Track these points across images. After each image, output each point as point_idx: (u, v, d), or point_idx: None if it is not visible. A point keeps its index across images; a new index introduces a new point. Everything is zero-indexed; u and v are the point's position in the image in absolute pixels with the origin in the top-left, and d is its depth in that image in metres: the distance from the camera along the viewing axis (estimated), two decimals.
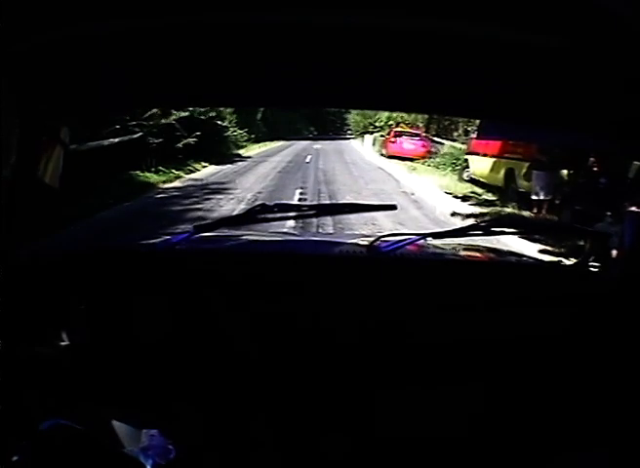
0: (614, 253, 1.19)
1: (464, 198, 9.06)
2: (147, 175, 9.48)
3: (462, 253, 1.44)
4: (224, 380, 0.93)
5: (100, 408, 0.77)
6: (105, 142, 7.81)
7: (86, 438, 0.67)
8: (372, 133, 24.73)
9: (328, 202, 7.43)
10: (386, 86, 0.84)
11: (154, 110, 9.37)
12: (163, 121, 10.28)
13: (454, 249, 1.42)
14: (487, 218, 6.52)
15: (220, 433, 0.88)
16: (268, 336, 0.97)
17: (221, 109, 13.83)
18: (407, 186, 10.34)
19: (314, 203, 7.08)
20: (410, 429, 0.91)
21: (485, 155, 9.88)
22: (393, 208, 1.26)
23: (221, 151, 14.62)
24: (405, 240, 1.11)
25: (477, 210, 7.89)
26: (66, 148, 0.87)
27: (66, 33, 0.64)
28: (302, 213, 1.30)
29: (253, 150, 19.38)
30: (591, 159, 6.44)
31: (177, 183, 9.73)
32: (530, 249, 4.80)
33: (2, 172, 0.73)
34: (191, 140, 11.16)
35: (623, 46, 0.61)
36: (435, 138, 16.35)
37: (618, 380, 0.90)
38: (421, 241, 1.19)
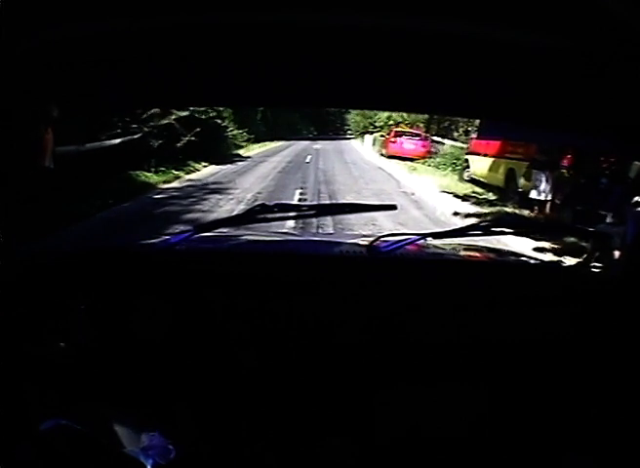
0: (615, 253, 1.19)
1: (465, 198, 9.05)
2: (147, 175, 9.48)
3: (462, 253, 1.44)
4: (224, 381, 0.93)
5: (101, 408, 0.77)
6: (106, 143, 7.81)
7: (86, 438, 0.67)
8: (372, 133, 24.70)
9: (328, 202, 7.43)
10: (386, 86, 0.84)
11: (154, 111, 9.37)
12: (163, 121, 10.28)
13: (454, 249, 1.42)
14: (487, 218, 6.52)
15: (219, 433, 0.88)
16: (268, 336, 0.97)
17: (221, 109, 13.83)
18: (407, 186, 10.33)
19: (314, 203, 7.08)
20: (410, 430, 0.91)
21: (485, 155, 9.88)
22: (393, 208, 1.25)
23: (221, 151, 14.61)
24: (405, 240, 1.11)
25: (477, 210, 7.89)
26: (55, 125, 0.85)
27: (67, 33, 0.64)
28: (302, 213, 1.30)
29: (253, 150, 19.37)
30: (592, 159, 6.44)
31: (176, 183, 9.72)
32: (530, 248, 4.80)
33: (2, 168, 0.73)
34: (191, 138, 11.14)
35: (623, 46, 0.61)
36: (436, 138, 16.32)
37: (618, 380, 0.90)
38: (421, 241, 1.19)
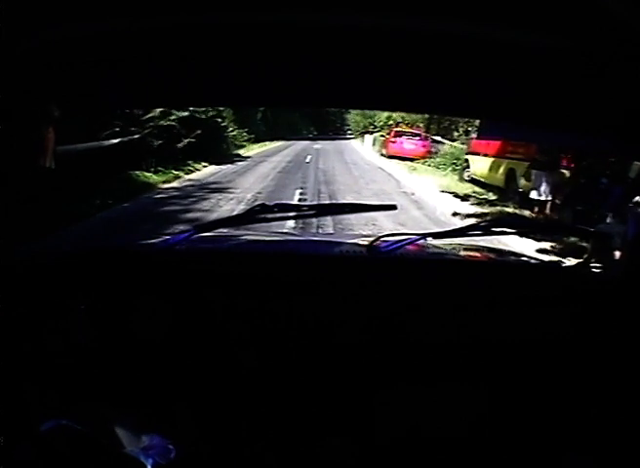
0: (615, 253, 1.19)
1: (465, 198, 9.05)
2: (147, 175, 9.48)
3: (462, 253, 1.44)
4: (224, 381, 0.93)
5: (101, 408, 0.77)
6: (106, 143, 7.80)
7: (86, 438, 0.67)
8: (372, 133, 24.73)
9: (328, 202, 7.43)
10: (386, 86, 0.84)
11: (154, 111, 9.38)
12: (162, 122, 10.28)
13: (454, 249, 1.42)
14: (487, 218, 6.52)
15: (219, 433, 0.88)
16: (268, 336, 0.97)
17: (221, 109, 13.84)
18: (407, 186, 10.33)
19: (314, 203, 7.08)
20: (410, 430, 0.91)
21: (485, 155, 9.88)
22: (393, 208, 1.25)
23: (221, 151, 14.62)
24: (405, 240, 1.11)
25: (477, 210, 7.89)
26: (56, 124, 0.85)
27: (67, 33, 0.64)
28: (302, 213, 1.30)
29: (253, 150, 19.37)
30: (592, 159, 6.44)
31: (176, 183, 9.72)
32: (530, 248, 4.80)
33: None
34: (191, 139, 11.14)
35: (623, 46, 0.61)
36: (437, 138, 16.29)
37: (618, 380, 0.90)
38: (421, 241, 1.19)
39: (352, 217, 5.88)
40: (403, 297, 0.99)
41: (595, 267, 1.22)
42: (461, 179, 11.37)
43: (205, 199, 7.78)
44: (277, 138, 24.97)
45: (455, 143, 14.75)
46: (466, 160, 11.43)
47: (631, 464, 0.82)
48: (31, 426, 0.65)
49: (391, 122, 22.23)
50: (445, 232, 1.19)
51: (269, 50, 0.72)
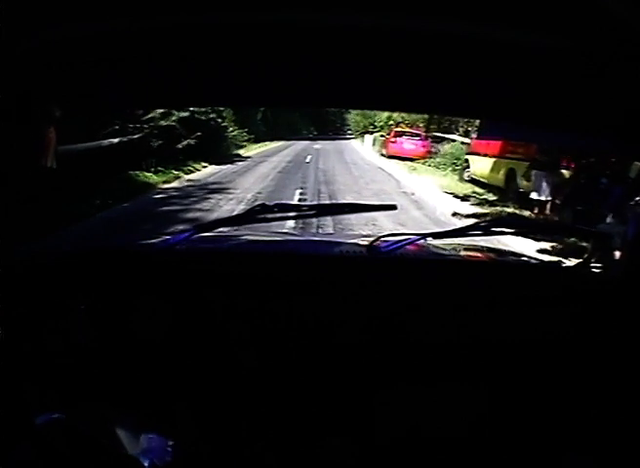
0: (615, 253, 1.19)
1: (465, 198, 9.05)
2: (147, 175, 9.48)
3: (462, 253, 1.44)
4: (224, 381, 0.93)
5: (100, 408, 0.77)
6: (106, 143, 7.81)
7: (84, 435, 0.67)
8: (372, 133, 24.71)
9: (328, 202, 7.42)
10: (386, 86, 0.84)
11: (154, 113, 9.39)
12: (163, 123, 10.28)
13: (454, 249, 1.42)
14: (487, 218, 6.52)
15: (219, 433, 0.88)
16: (268, 336, 0.97)
17: (222, 109, 13.84)
18: (407, 186, 10.33)
19: (314, 203, 7.08)
20: (410, 430, 0.91)
21: (485, 155, 9.89)
22: (393, 208, 1.25)
23: (221, 151, 14.61)
24: (405, 240, 1.11)
25: (478, 210, 7.89)
26: (58, 124, 0.85)
27: (67, 33, 0.64)
28: (302, 213, 1.30)
29: (252, 150, 19.36)
30: (592, 159, 6.45)
31: (176, 183, 9.73)
32: (530, 248, 4.80)
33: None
34: (191, 141, 11.14)
35: (623, 46, 0.61)
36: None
37: (618, 380, 0.90)
38: (421, 241, 1.19)
39: (352, 217, 5.88)
40: (403, 297, 0.99)
41: (595, 267, 1.22)
42: (462, 179, 11.37)
43: (205, 199, 7.78)
44: (277, 139, 24.94)
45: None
46: (466, 160, 11.44)
47: (631, 464, 0.82)
48: (31, 426, 0.65)
49: (391, 122, 22.23)
50: (445, 232, 1.19)
51: (269, 50, 0.72)
